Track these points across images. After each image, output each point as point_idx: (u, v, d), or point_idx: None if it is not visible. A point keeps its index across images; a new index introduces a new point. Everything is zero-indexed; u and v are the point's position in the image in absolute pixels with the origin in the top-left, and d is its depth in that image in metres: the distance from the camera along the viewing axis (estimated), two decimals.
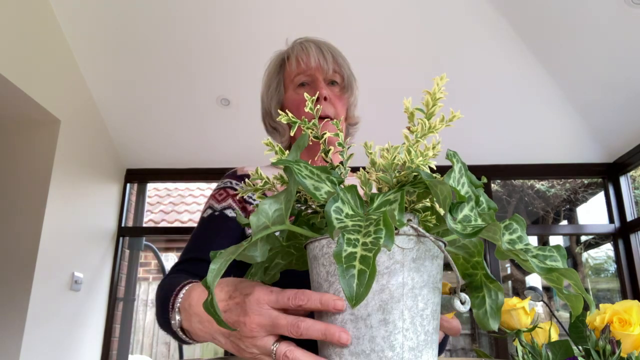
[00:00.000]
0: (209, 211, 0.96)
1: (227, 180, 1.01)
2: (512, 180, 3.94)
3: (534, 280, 3.89)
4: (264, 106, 1.08)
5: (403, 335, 0.43)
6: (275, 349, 0.48)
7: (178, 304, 0.61)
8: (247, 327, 0.49)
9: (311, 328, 0.46)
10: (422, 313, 0.44)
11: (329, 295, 0.45)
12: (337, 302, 0.45)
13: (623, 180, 2.95)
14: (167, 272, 0.87)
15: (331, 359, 0.46)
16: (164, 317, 0.68)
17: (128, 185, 3.18)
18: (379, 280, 0.44)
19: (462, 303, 0.47)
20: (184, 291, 0.63)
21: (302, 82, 1.01)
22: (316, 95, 0.64)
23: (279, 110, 0.70)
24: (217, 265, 0.43)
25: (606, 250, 3.62)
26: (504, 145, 2.91)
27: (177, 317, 0.60)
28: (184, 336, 0.62)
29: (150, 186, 4.68)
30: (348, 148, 0.57)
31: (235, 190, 0.97)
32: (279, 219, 0.46)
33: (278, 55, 1.07)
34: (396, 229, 0.44)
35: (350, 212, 0.44)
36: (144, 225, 3.56)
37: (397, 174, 0.48)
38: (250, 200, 0.96)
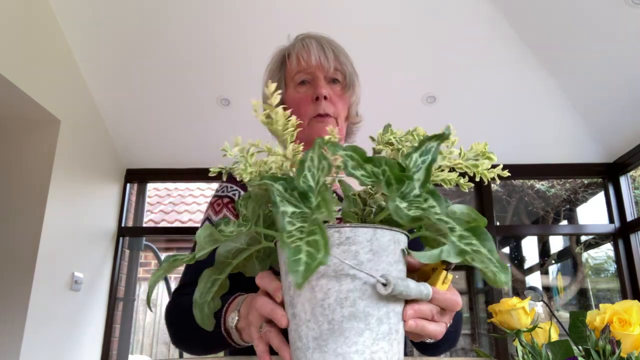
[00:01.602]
0: (207, 224, 0.96)
1: (224, 185, 1.00)
2: (512, 180, 3.94)
3: (534, 280, 3.89)
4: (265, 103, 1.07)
5: (306, 327, 0.46)
6: (261, 329, 0.55)
7: (239, 307, 0.66)
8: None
9: (263, 306, 0.53)
10: (322, 303, 0.45)
11: (278, 286, 0.52)
12: (276, 293, 0.52)
13: (623, 180, 2.95)
14: (173, 293, 0.91)
15: None
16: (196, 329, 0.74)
17: (128, 185, 3.18)
18: (287, 279, 0.49)
19: (384, 285, 0.45)
20: (243, 297, 0.68)
21: (302, 80, 0.99)
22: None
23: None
24: (154, 277, 0.51)
25: (606, 250, 3.62)
26: (504, 145, 2.91)
27: (236, 317, 0.65)
28: (236, 334, 0.66)
29: (150, 186, 4.67)
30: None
31: (230, 197, 0.97)
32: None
33: (279, 52, 1.05)
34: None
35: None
36: (144, 225, 3.56)
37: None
38: None
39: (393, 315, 0.47)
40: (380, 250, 0.46)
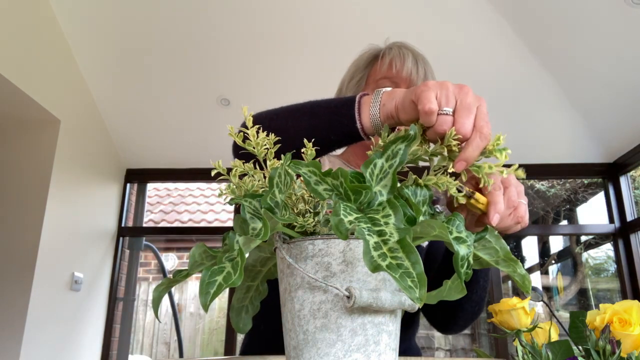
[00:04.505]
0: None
1: None
2: None
3: (534, 280, 3.89)
4: (340, 95, 1.04)
5: (289, 336, 0.48)
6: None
7: (381, 94, 0.63)
8: None
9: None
10: (299, 314, 0.47)
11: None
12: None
13: (623, 180, 2.95)
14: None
15: None
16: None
17: (128, 185, 3.18)
18: (281, 285, 0.50)
19: (348, 297, 0.44)
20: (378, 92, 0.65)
21: (385, 86, 0.95)
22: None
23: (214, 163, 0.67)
24: (157, 293, 0.50)
25: (606, 250, 3.62)
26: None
27: (378, 104, 0.63)
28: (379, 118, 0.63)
29: (150, 186, 4.68)
30: None
31: None
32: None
33: (372, 50, 1.05)
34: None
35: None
36: (144, 225, 3.56)
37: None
38: None
39: (370, 326, 0.46)
40: (354, 261, 0.46)
